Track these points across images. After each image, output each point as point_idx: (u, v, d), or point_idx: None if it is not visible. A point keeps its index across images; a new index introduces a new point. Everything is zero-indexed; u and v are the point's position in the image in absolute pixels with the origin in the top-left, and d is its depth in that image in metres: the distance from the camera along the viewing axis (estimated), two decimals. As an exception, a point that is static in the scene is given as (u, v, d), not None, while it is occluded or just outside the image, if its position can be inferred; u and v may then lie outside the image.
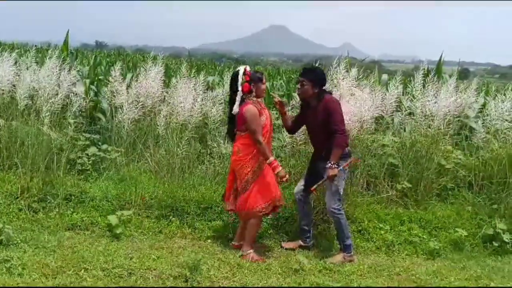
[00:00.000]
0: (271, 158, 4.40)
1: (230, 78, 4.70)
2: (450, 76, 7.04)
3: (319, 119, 4.50)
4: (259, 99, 4.57)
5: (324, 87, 4.62)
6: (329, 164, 4.40)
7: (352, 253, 4.63)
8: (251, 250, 4.51)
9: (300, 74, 4.68)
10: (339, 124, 4.42)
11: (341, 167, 4.48)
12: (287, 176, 4.45)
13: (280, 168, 4.41)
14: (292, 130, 5.04)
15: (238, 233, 4.76)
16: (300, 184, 4.83)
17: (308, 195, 4.83)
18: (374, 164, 5.83)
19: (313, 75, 4.58)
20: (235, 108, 4.51)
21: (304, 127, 5.04)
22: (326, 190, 4.61)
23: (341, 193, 4.61)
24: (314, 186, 4.59)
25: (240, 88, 4.48)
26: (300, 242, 4.85)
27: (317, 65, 5.49)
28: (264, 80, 4.55)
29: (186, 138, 5.74)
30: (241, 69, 4.55)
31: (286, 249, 4.79)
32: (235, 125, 4.55)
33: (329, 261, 4.51)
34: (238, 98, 4.51)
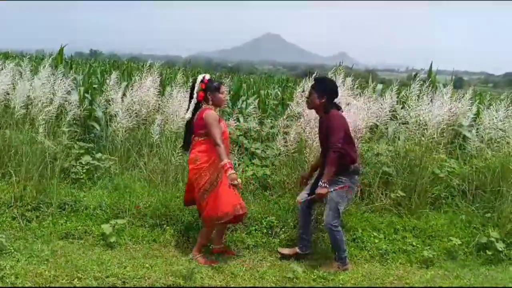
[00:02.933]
0: (225, 160, 4.32)
1: (190, 85, 4.75)
2: (444, 85, 7.10)
3: (323, 133, 4.50)
4: (217, 108, 4.61)
5: (333, 100, 4.57)
6: (320, 182, 4.36)
7: (346, 262, 4.64)
8: (199, 255, 4.54)
9: (312, 85, 4.68)
10: (334, 142, 4.31)
11: (332, 190, 4.40)
12: (238, 180, 4.36)
13: (233, 171, 4.33)
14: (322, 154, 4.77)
15: (215, 237, 4.77)
16: (305, 193, 4.79)
17: (312, 205, 4.80)
18: (368, 172, 5.85)
19: (320, 85, 4.56)
20: (187, 114, 4.59)
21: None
22: (327, 204, 4.56)
23: (341, 211, 4.56)
24: (303, 199, 4.59)
25: (195, 96, 4.56)
26: (297, 250, 4.81)
27: (312, 74, 5.53)
28: (221, 90, 4.56)
29: (181, 146, 5.74)
30: (199, 77, 4.60)
31: (282, 254, 4.75)
32: (191, 132, 4.58)
33: (324, 270, 4.51)
34: (191, 105, 4.58)
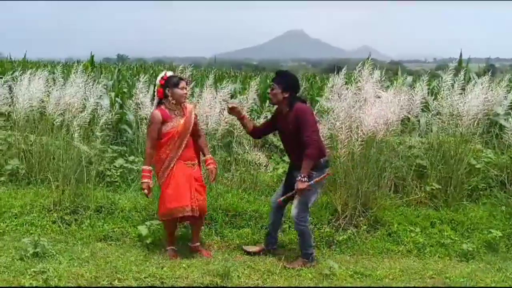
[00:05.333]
0: (145, 166, 4.44)
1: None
2: (477, 74, 6.92)
3: (290, 128, 4.35)
4: (179, 104, 4.51)
5: (296, 94, 4.48)
6: (299, 177, 4.25)
7: (312, 258, 4.48)
8: (168, 248, 4.58)
9: (272, 78, 4.57)
10: (310, 135, 4.23)
11: (312, 182, 4.29)
12: (145, 190, 4.43)
13: (146, 180, 4.40)
14: (256, 134, 4.86)
15: (192, 235, 4.77)
16: (278, 193, 4.68)
17: (285, 204, 4.69)
18: (401, 166, 5.77)
19: (283, 79, 4.45)
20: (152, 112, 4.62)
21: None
22: (296, 198, 4.44)
23: (310, 205, 4.46)
24: (282, 198, 4.51)
25: (156, 92, 4.59)
26: (263, 246, 4.70)
27: (341, 69, 5.48)
28: (181, 85, 4.46)
29: (212, 146, 5.77)
30: (161, 74, 4.60)
31: (247, 252, 4.65)
32: None
33: (289, 266, 4.41)
34: (154, 103, 4.63)
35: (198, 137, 4.67)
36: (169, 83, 4.47)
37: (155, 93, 4.61)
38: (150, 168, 4.46)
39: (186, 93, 4.54)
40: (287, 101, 4.41)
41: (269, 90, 4.53)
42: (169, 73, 4.60)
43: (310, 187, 4.29)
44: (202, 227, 4.88)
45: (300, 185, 4.25)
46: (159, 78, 4.57)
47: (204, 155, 4.68)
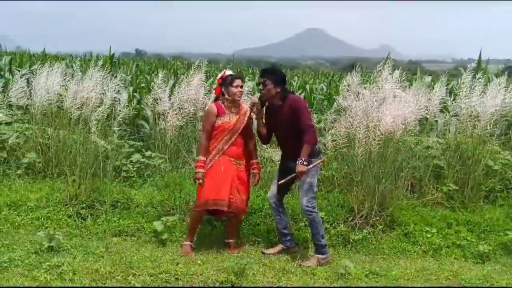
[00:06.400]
0: (200, 157, 4.55)
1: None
2: (496, 75, 6.82)
3: (286, 119, 4.46)
4: (234, 102, 4.64)
5: (285, 87, 4.60)
6: (300, 161, 4.32)
7: (327, 254, 4.50)
8: (187, 242, 4.60)
9: (260, 75, 4.68)
10: (308, 122, 4.39)
11: (311, 166, 4.40)
12: (200, 180, 4.50)
13: (200, 170, 4.51)
14: (265, 139, 4.87)
15: (228, 231, 4.81)
16: (273, 191, 4.71)
17: (282, 198, 4.76)
18: (418, 166, 5.71)
19: (274, 74, 4.57)
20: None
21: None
22: (300, 188, 4.54)
23: (315, 191, 4.54)
24: (282, 181, 4.53)
25: (213, 91, 4.75)
26: (282, 246, 4.73)
27: (355, 67, 5.46)
28: (235, 84, 4.58)
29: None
30: (220, 73, 4.75)
31: (268, 254, 4.64)
32: None
33: (304, 264, 4.40)
34: (211, 99, 4.80)
35: (250, 138, 4.77)
36: (226, 82, 4.62)
37: (214, 91, 4.78)
38: (204, 158, 4.55)
39: (240, 91, 4.65)
40: (280, 95, 4.54)
41: (260, 87, 4.62)
42: (228, 72, 4.73)
43: (308, 171, 4.39)
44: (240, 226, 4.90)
45: (300, 168, 4.33)
46: (218, 76, 4.75)
47: (252, 159, 4.78)
